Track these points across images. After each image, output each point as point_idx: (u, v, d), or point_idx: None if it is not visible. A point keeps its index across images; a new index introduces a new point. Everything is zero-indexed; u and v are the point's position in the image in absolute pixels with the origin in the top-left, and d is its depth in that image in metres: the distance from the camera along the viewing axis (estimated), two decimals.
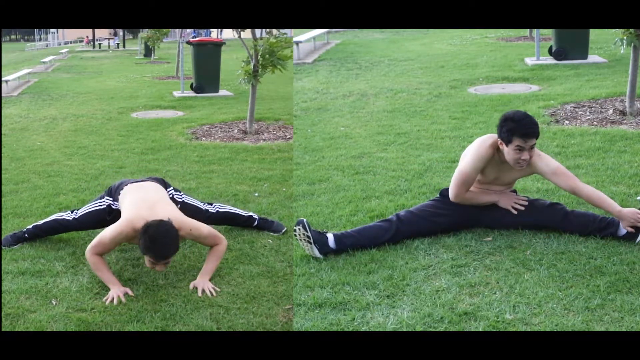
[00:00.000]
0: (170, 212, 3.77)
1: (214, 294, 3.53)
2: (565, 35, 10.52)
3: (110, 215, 4.11)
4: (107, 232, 3.73)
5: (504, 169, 3.93)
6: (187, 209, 4.16)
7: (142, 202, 3.88)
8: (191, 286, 3.61)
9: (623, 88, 7.54)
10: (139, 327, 3.21)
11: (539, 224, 3.92)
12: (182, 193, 4.37)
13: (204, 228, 3.82)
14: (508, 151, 3.80)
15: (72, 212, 4.33)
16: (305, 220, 3.80)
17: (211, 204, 4.48)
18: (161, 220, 3.55)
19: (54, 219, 4.35)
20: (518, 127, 3.74)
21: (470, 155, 3.93)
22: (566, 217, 3.86)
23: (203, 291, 3.55)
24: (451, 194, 3.97)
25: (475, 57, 11.95)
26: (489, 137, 3.93)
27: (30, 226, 4.37)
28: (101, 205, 4.20)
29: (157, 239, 3.46)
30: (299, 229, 3.77)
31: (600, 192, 3.86)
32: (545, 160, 3.89)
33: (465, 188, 3.95)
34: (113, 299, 3.47)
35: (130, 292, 3.55)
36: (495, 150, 3.89)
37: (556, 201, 4.17)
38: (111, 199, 4.17)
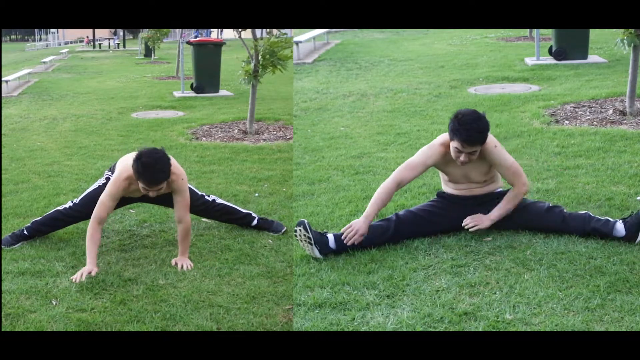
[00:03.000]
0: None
1: (189, 267, 3.90)
2: (565, 35, 10.52)
3: None
4: (105, 190, 3.98)
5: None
6: None
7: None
8: (172, 262, 3.97)
9: (623, 88, 7.54)
10: (139, 327, 3.21)
11: (537, 227, 3.91)
12: None
13: (187, 192, 4.04)
14: (450, 146, 3.84)
15: (71, 202, 4.36)
16: (306, 221, 3.80)
17: (209, 195, 4.49)
18: (154, 148, 3.80)
19: (53, 210, 4.39)
20: (460, 131, 3.73)
21: (421, 149, 3.99)
22: (564, 221, 3.86)
23: (182, 266, 3.90)
24: (392, 175, 3.98)
25: (475, 57, 11.95)
26: (442, 136, 3.95)
27: (29, 223, 4.38)
28: (99, 183, 4.26)
29: (149, 165, 3.71)
30: (300, 230, 3.77)
31: (514, 198, 3.94)
32: (501, 153, 3.89)
33: (406, 173, 3.92)
34: (79, 277, 3.69)
35: (93, 274, 3.70)
36: (448, 148, 3.90)
37: (555, 203, 4.17)
38: (110, 172, 4.21)
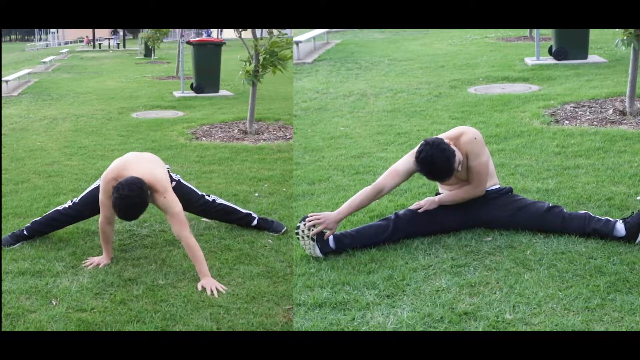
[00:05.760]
0: (151, 168, 3.93)
1: (217, 293, 3.54)
2: (565, 35, 10.51)
3: None
4: (100, 191, 3.98)
5: None
6: (182, 189, 4.19)
7: (127, 157, 4.10)
8: (199, 287, 3.62)
9: (623, 88, 7.54)
10: (139, 327, 3.21)
11: (537, 227, 3.91)
12: (178, 175, 4.38)
13: (178, 205, 3.84)
14: None
15: (71, 201, 4.36)
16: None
17: (209, 195, 4.49)
18: (132, 183, 3.67)
19: (53, 210, 4.39)
20: (428, 174, 3.84)
21: (405, 156, 4.00)
22: (564, 221, 3.85)
23: (212, 290, 3.57)
24: (376, 181, 4.00)
25: (475, 57, 11.95)
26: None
27: (29, 223, 4.38)
28: (97, 184, 4.25)
29: (124, 205, 3.65)
30: (304, 224, 3.78)
31: (466, 193, 3.96)
32: (477, 148, 3.88)
33: (389, 180, 3.94)
34: (92, 263, 3.94)
35: (101, 266, 3.92)
36: None
37: (555, 203, 4.17)
38: None
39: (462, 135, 3.90)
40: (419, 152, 3.82)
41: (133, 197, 3.64)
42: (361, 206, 3.98)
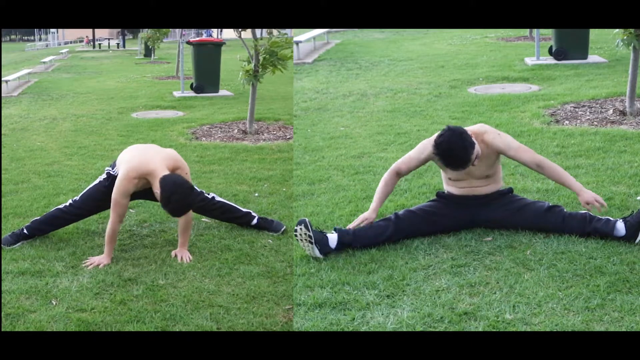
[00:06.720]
0: (169, 153, 4.13)
1: (188, 260, 4.00)
2: (565, 35, 10.51)
3: (108, 181, 4.21)
4: (116, 189, 3.99)
5: None
6: None
7: (140, 151, 4.20)
8: (172, 254, 4.07)
9: (623, 88, 7.54)
10: (139, 327, 3.21)
11: (537, 227, 3.91)
12: None
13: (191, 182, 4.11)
14: None
15: (72, 200, 4.37)
16: (307, 219, 3.81)
17: (208, 193, 4.50)
18: (176, 182, 3.78)
19: (54, 209, 4.40)
20: (450, 164, 3.84)
21: (420, 143, 4.06)
22: (564, 221, 3.85)
23: (182, 259, 4.02)
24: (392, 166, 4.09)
25: (475, 57, 11.95)
26: (432, 139, 3.96)
27: (29, 222, 4.38)
28: (100, 179, 4.29)
29: (179, 206, 3.78)
30: (300, 229, 3.77)
31: (562, 170, 3.95)
32: (505, 139, 3.93)
33: (403, 164, 4.05)
34: (92, 263, 3.93)
35: (101, 266, 3.91)
36: None
37: (555, 203, 4.17)
38: (110, 167, 4.25)
39: (485, 133, 3.92)
40: (439, 136, 3.84)
41: (189, 199, 3.81)
42: (388, 193, 4.09)
